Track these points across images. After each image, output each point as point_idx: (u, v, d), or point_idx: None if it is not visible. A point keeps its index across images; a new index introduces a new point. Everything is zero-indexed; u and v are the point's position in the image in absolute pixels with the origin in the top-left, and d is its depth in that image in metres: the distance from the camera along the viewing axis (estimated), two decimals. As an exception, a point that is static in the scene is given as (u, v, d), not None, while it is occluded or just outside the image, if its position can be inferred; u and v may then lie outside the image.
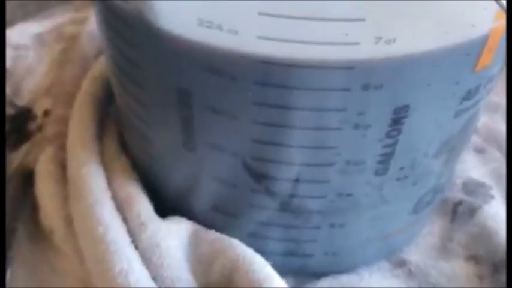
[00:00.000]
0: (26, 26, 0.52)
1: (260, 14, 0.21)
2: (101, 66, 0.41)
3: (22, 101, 0.44)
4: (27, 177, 0.37)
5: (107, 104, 0.39)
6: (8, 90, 0.45)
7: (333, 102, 0.24)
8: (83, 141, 0.34)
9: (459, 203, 0.38)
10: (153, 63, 0.26)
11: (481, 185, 0.39)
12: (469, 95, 0.27)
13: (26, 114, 0.43)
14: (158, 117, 0.29)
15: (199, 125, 0.27)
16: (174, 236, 0.30)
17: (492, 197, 0.38)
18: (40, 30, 0.52)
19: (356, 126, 0.25)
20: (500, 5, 0.20)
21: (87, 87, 0.39)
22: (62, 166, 0.35)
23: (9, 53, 0.48)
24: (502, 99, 0.46)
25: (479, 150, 0.42)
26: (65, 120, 0.38)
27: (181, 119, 0.27)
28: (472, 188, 0.39)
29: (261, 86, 0.24)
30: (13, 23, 0.53)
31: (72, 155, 0.34)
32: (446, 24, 0.22)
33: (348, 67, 0.23)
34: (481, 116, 0.31)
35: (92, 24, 0.49)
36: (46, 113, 0.42)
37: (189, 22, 0.23)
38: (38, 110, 0.43)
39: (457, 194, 0.38)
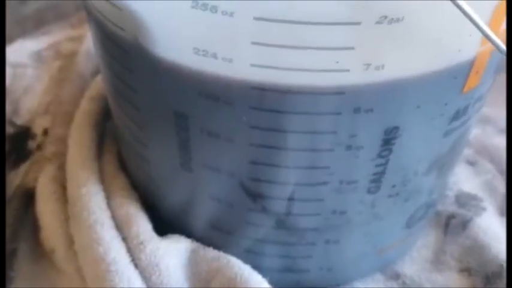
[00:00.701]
0: (23, 43, 0.53)
1: (253, 43, 0.22)
2: (98, 85, 0.42)
3: (21, 119, 0.45)
4: (28, 197, 0.37)
5: (104, 121, 0.40)
6: (7, 108, 0.45)
7: (325, 126, 0.25)
8: (82, 160, 0.35)
9: (452, 216, 0.38)
10: (150, 88, 0.27)
11: (473, 197, 0.40)
12: (457, 115, 0.27)
13: (25, 133, 0.43)
14: (155, 139, 0.30)
15: (195, 147, 0.28)
16: (172, 254, 0.31)
17: (484, 209, 0.39)
18: (38, 48, 0.52)
19: (348, 148, 0.26)
20: (497, 46, 0.21)
21: (85, 107, 0.39)
22: (62, 186, 0.36)
23: (7, 71, 0.49)
24: (493, 111, 0.46)
25: (471, 163, 0.43)
26: (63, 140, 0.39)
27: (178, 141, 0.28)
28: (464, 200, 0.40)
29: (256, 111, 0.25)
30: (11, 40, 0.54)
31: (72, 175, 0.35)
32: (433, 50, 0.23)
33: (339, 92, 0.24)
34: (473, 128, 0.32)
35: (87, 42, 0.50)
36: (45, 132, 0.43)
37: (185, 50, 0.23)
38: (37, 129, 0.43)
39: (450, 207, 0.39)
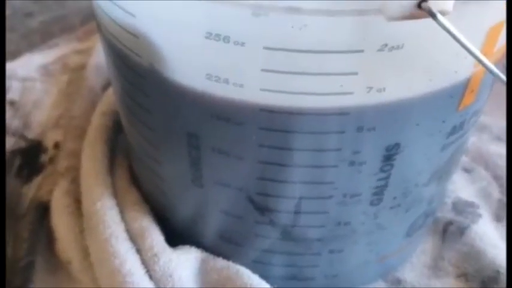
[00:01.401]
0: (31, 57, 0.54)
1: (263, 70, 0.24)
2: (109, 99, 0.43)
3: (32, 133, 0.46)
4: (42, 209, 0.39)
5: (115, 135, 0.41)
6: (18, 123, 0.47)
7: (330, 144, 0.27)
8: (96, 175, 0.36)
9: (449, 223, 0.40)
10: (164, 110, 0.28)
11: (470, 204, 0.41)
12: (454, 130, 0.29)
13: (36, 147, 0.45)
14: (168, 157, 0.31)
15: (207, 164, 0.29)
16: (184, 265, 0.32)
17: (480, 215, 0.40)
18: (45, 62, 0.53)
19: (351, 164, 0.28)
20: (489, 69, 0.22)
21: (97, 122, 0.41)
22: (75, 199, 0.38)
23: (16, 86, 0.50)
24: (489, 120, 0.48)
25: (468, 170, 0.44)
26: (76, 154, 0.40)
27: (189, 159, 0.29)
28: (461, 207, 0.41)
29: (264, 131, 0.26)
30: (19, 53, 0.55)
31: (86, 190, 0.36)
32: (432, 73, 0.25)
33: (343, 113, 0.25)
34: (470, 139, 0.34)
35: (96, 56, 0.51)
36: (56, 145, 0.44)
37: (199, 76, 0.25)
38: (49, 142, 0.45)
39: (447, 214, 0.41)
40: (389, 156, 0.28)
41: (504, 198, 0.42)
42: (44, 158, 0.44)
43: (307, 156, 0.27)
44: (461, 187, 0.43)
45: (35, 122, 0.47)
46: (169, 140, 0.30)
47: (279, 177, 0.28)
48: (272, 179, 0.29)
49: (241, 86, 0.24)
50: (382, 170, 0.28)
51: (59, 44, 0.57)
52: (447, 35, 0.22)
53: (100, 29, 0.30)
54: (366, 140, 0.27)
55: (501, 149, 0.46)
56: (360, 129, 0.26)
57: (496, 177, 0.44)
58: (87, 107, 0.45)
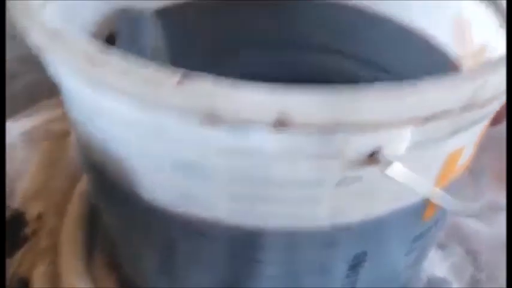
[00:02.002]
0: (14, 124, 0.54)
1: (231, 196, 0.25)
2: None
3: (15, 203, 0.46)
4: (23, 285, 0.40)
5: (94, 219, 0.42)
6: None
7: (299, 257, 0.28)
8: (74, 262, 0.37)
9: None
10: (141, 224, 0.30)
11: (443, 280, 0.42)
12: (418, 237, 0.30)
13: (19, 218, 0.45)
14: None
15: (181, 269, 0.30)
16: None
17: (452, 292, 0.42)
18: (28, 127, 0.53)
19: (321, 272, 0.29)
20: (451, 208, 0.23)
21: (76, 204, 0.41)
22: (55, 281, 0.38)
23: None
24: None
25: (441, 247, 0.45)
26: (56, 233, 0.41)
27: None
28: (435, 283, 0.42)
29: (233, 245, 0.27)
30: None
31: (65, 276, 0.37)
32: (391, 196, 0.26)
33: (309, 233, 0.26)
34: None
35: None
36: (39, 216, 0.45)
37: (173, 197, 0.26)
38: (31, 213, 0.45)
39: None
40: (356, 264, 0.29)
41: (477, 274, 0.43)
42: (27, 230, 0.44)
43: (276, 267, 0.28)
44: (435, 263, 0.44)
45: (18, 191, 0.47)
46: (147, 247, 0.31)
47: (252, 284, 0.29)
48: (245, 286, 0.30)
49: (212, 209, 0.25)
50: (348, 276, 0.29)
51: (42, 109, 0.56)
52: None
53: (77, 143, 0.31)
54: (333, 253, 0.28)
55: (475, 224, 0.47)
56: (326, 245, 0.27)
57: (469, 252, 0.45)
58: (68, 184, 0.45)
